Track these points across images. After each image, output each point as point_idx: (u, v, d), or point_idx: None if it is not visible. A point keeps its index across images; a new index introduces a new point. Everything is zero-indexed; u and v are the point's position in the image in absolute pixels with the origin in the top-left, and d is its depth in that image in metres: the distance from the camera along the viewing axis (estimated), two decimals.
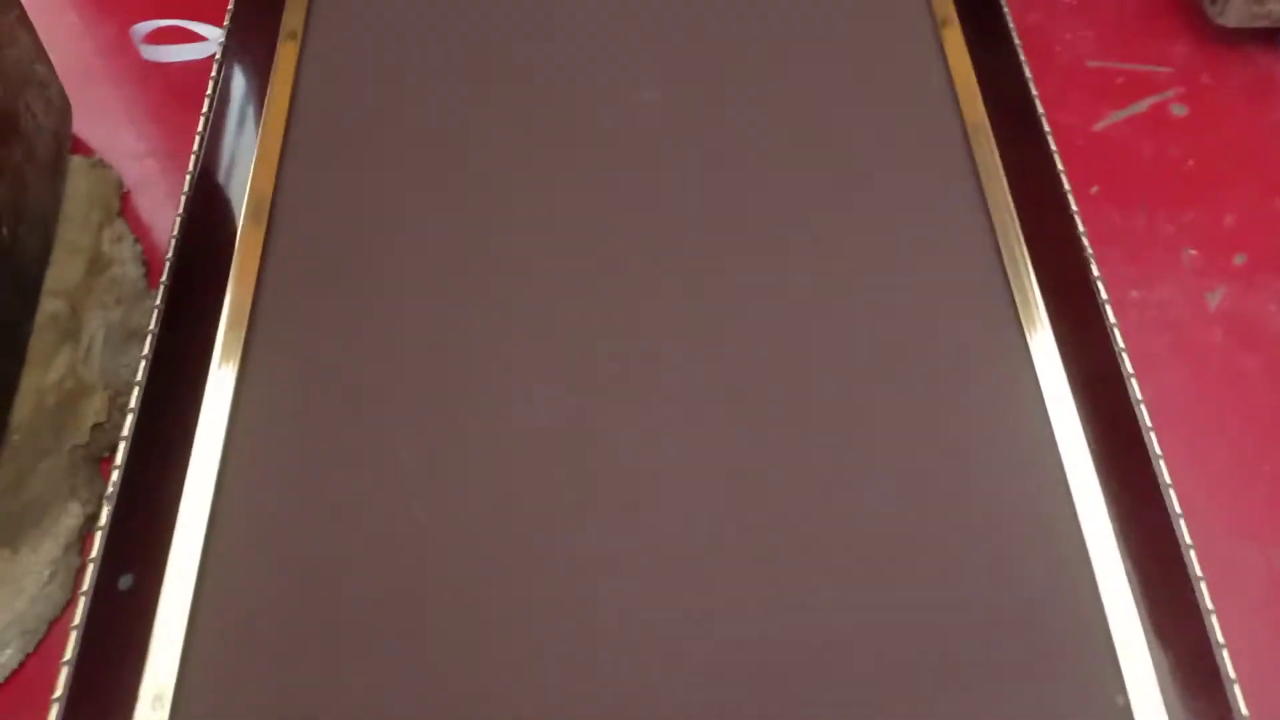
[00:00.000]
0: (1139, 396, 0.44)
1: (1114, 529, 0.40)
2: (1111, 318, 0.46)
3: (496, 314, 0.47)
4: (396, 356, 0.46)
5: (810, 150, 0.52)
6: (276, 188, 0.50)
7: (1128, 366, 0.45)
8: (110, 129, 0.62)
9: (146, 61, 0.63)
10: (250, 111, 0.54)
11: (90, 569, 0.38)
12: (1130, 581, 0.39)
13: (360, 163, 0.52)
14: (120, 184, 0.59)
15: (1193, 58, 0.67)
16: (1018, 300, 0.47)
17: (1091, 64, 0.66)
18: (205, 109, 0.54)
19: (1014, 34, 0.56)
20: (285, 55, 0.56)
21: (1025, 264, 0.48)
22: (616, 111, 0.53)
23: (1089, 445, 0.42)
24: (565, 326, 0.46)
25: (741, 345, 0.45)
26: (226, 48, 0.56)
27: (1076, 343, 0.46)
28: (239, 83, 0.55)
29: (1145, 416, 0.43)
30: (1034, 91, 0.53)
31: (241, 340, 0.46)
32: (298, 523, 0.41)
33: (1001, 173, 0.51)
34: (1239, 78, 0.66)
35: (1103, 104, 0.64)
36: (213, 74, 0.54)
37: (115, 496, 0.40)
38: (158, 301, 0.47)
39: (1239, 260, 0.58)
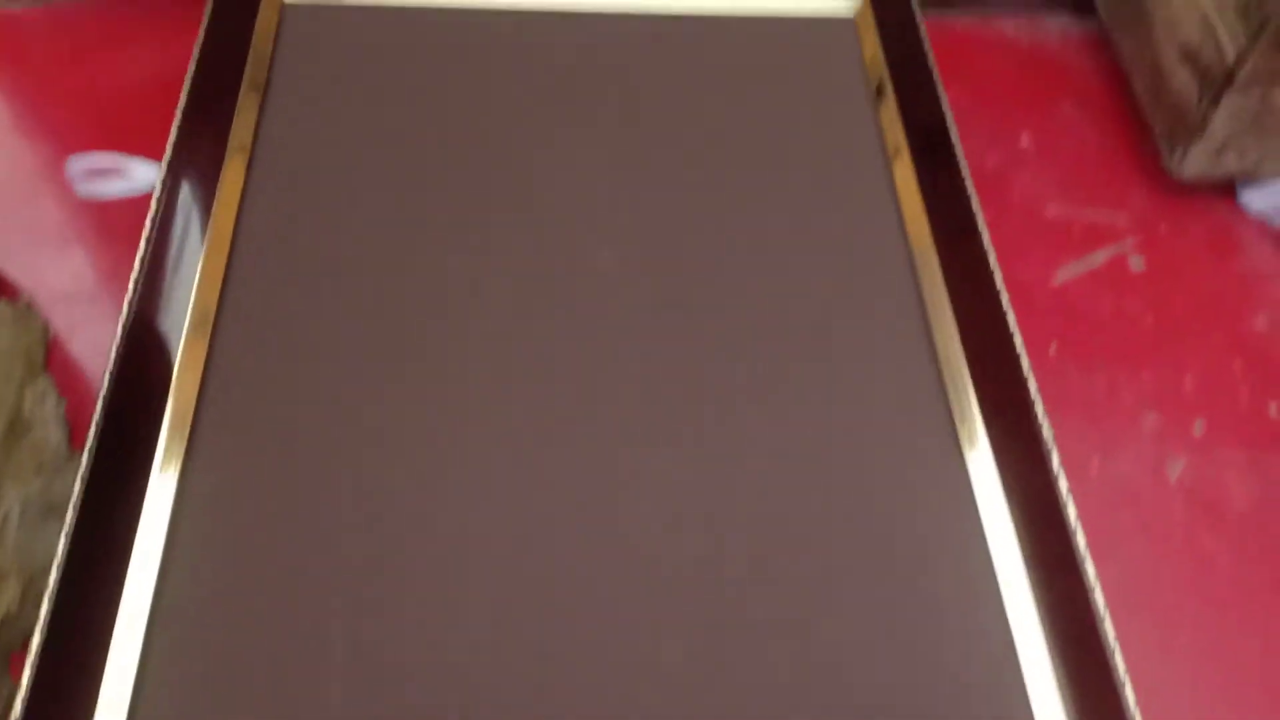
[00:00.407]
0: (1093, 583, 0.43)
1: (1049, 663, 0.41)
2: (1069, 502, 0.45)
3: (441, 434, 0.46)
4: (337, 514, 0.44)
5: (763, 297, 0.52)
6: (219, 309, 0.49)
7: (1081, 548, 0.44)
8: (40, 264, 0.59)
9: (80, 201, 0.60)
10: (195, 224, 0.52)
11: None
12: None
13: (306, 284, 0.51)
14: (46, 332, 0.57)
15: (1151, 206, 0.66)
16: (975, 486, 0.46)
17: (1050, 212, 0.66)
18: (151, 213, 0.52)
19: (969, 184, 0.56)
20: (233, 168, 0.55)
21: (975, 418, 0.48)
22: (574, 270, 0.52)
23: (1043, 632, 0.42)
24: (509, 469, 0.46)
25: (697, 486, 0.45)
26: (173, 159, 0.54)
27: (1031, 525, 0.46)
28: (185, 196, 0.53)
29: (1100, 603, 0.42)
30: (987, 244, 0.53)
31: (165, 525, 0.44)
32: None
33: (955, 328, 0.51)
34: (1197, 229, 0.66)
35: (1061, 254, 0.64)
36: (160, 180, 0.53)
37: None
38: (81, 469, 0.44)
39: (1199, 428, 0.58)
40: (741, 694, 0.40)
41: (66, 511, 0.44)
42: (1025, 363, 0.49)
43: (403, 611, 0.41)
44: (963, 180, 0.55)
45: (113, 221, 0.62)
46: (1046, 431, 0.46)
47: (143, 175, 0.57)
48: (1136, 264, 0.64)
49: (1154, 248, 0.65)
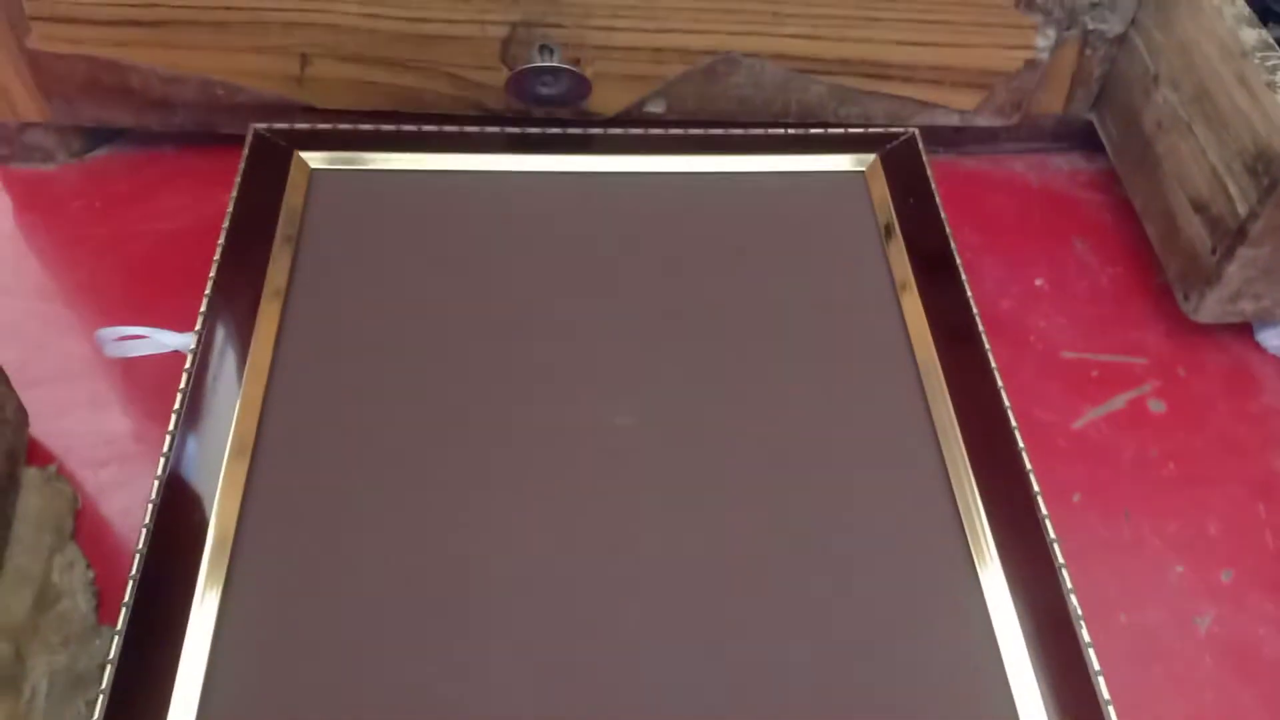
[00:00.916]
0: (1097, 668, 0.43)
1: None
2: (1095, 665, 0.45)
3: (472, 555, 0.49)
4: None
5: (778, 439, 0.54)
6: (257, 443, 0.52)
7: (1104, 693, 0.44)
8: (71, 431, 0.60)
9: (110, 359, 0.61)
10: (231, 366, 0.55)
11: None
12: None
13: (341, 415, 0.54)
14: (75, 500, 0.57)
15: (1168, 348, 0.67)
16: (1003, 650, 0.46)
17: (1066, 355, 0.66)
18: (188, 364, 0.54)
19: (976, 318, 0.58)
20: (268, 312, 0.57)
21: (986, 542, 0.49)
22: (594, 432, 0.53)
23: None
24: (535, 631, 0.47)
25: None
26: (210, 303, 0.57)
27: (1059, 687, 0.46)
28: (221, 343, 0.56)
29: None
30: (999, 385, 0.55)
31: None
32: None
33: (971, 474, 0.52)
34: (1215, 370, 0.66)
35: (1080, 399, 0.64)
36: (197, 332, 0.56)
37: None
38: (111, 653, 0.45)
39: (1226, 577, 0.57)
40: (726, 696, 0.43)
41: (93, 683, 0.45)
42: (1041, 504, 0.50)
43: None
44: (970, 308, 0.58)
45: (142, 383, 0.63)
46: (1064, 572, 0.48)
47: (171, 340, 0.58)
48: (1156, 406, 0.64)
49: (1173, 390, 0.65)
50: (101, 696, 0.43)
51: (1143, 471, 0.61)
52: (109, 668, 0.44)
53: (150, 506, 0.49)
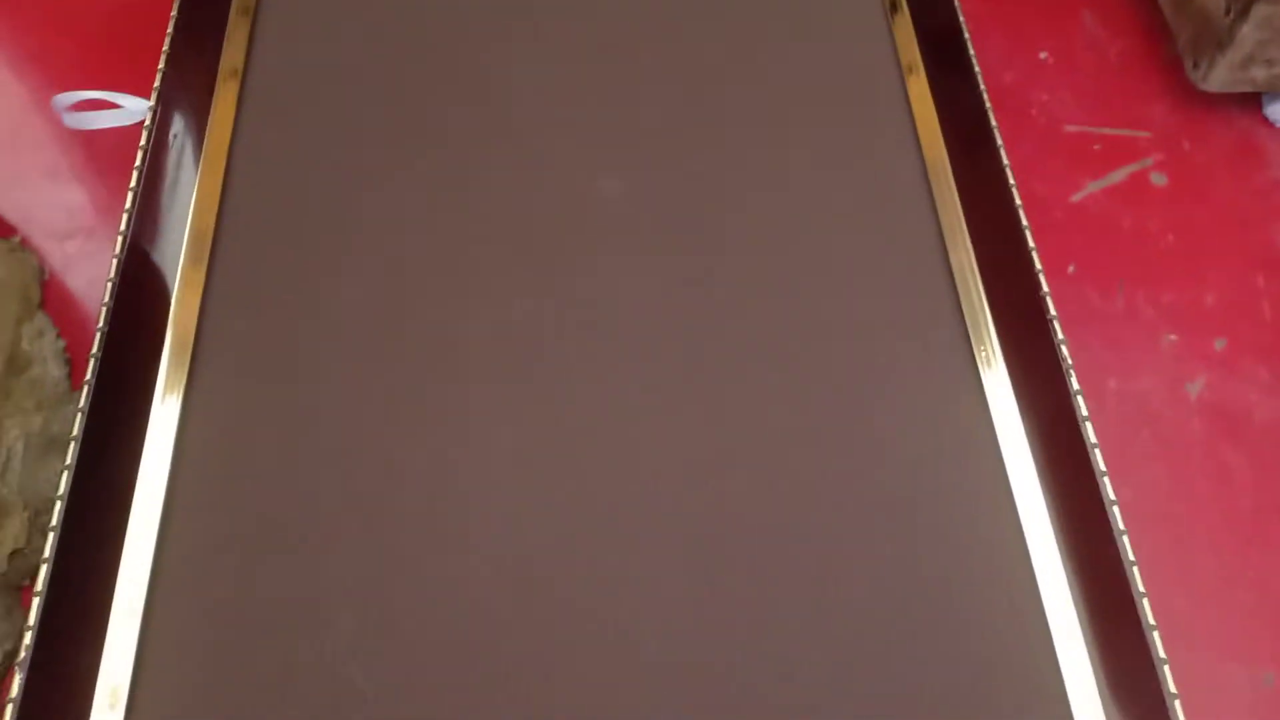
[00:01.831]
0: (1113, 498, 0.42)
1: (1086, 638, 0.39)
2: (1084, 410, 0.44)
3: (438, 363, 0.45)
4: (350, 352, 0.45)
5: (774, 214, 0.50)
6: (217, 229, 0.48)
7: (1100, 464, 0.43)
8: (31, 203, 0.58)
9: (70, 130, 0.58)
10: (189, 149, 0.51)
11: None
12: (1103, 700, 0.38)
13: (303, 206, 0.50)
14: (41, 271, 0.55)
15: (1173, 121, 0.64)
16: (990, 399, 0.45)
17: (1069, 128, 0.64)
18: (143, 141, 0.51)
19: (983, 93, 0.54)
20: (225, 94, 0.53)
21: (986, 322, 0.47)
22: (575, 194, 0.51)
23: (1058, 545, 0.41)
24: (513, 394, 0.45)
25: (711, 404, 0.44)
26: (163, 85, 0.53)
27: (1046, 438, 0.45)
28: (177, 123, 0.52)
29: (1118, 521, 0.41)
30: (1003, 157, 0.51)
31: (169, 455, 0.43)
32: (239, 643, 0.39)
33: (969, 243, 0.49)
34: (1220, 143, 0.64)
35: (1080, 173, 0.62)
36: (150, 107, 0.52)
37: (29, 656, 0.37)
38: (81, 402, 0.43)
39: (1220, 345, 0.56)
40: (753, 646, 0.39)
41: (68, 446, 0.44)
42: (1043, 280, 0.47)
43: (413, 546, 0.40)
44: (979, 92, 0.53)
45: (103, 154, 0.61)
46: (1064, 348, 0.45)
47: (132, 106, 0.55)
48: (1158, 180, 0.62)
49: (1176, 163, 0.63)
50: (70, 454, 0.42)
51: (1141, 244, 0.60)
52: (76, 433, 0.43)
53: (109, 285, 0.47)
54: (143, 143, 0.51)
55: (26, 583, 0.47)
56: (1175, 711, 0.37)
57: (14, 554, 0.47)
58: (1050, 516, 0.42)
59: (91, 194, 0.60)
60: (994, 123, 0.51)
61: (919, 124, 0.53)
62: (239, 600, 0.40)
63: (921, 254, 0.49)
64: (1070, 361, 0.45)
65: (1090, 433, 0.43)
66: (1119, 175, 0.62)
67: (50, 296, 0.55)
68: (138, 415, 0.44)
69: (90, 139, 0.60)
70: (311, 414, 0.43)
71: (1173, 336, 0.56)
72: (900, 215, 0.50)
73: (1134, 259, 0.59)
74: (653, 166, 0.51)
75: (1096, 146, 0.63)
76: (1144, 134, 0.64)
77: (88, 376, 0.44)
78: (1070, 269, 0.58)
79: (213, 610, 0.39)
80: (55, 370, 0.52)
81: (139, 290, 0.48)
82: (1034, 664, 0.39)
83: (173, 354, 0.45)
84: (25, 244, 0.56)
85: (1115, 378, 0.55)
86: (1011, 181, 0.49)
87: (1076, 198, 0.61)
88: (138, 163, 0.50)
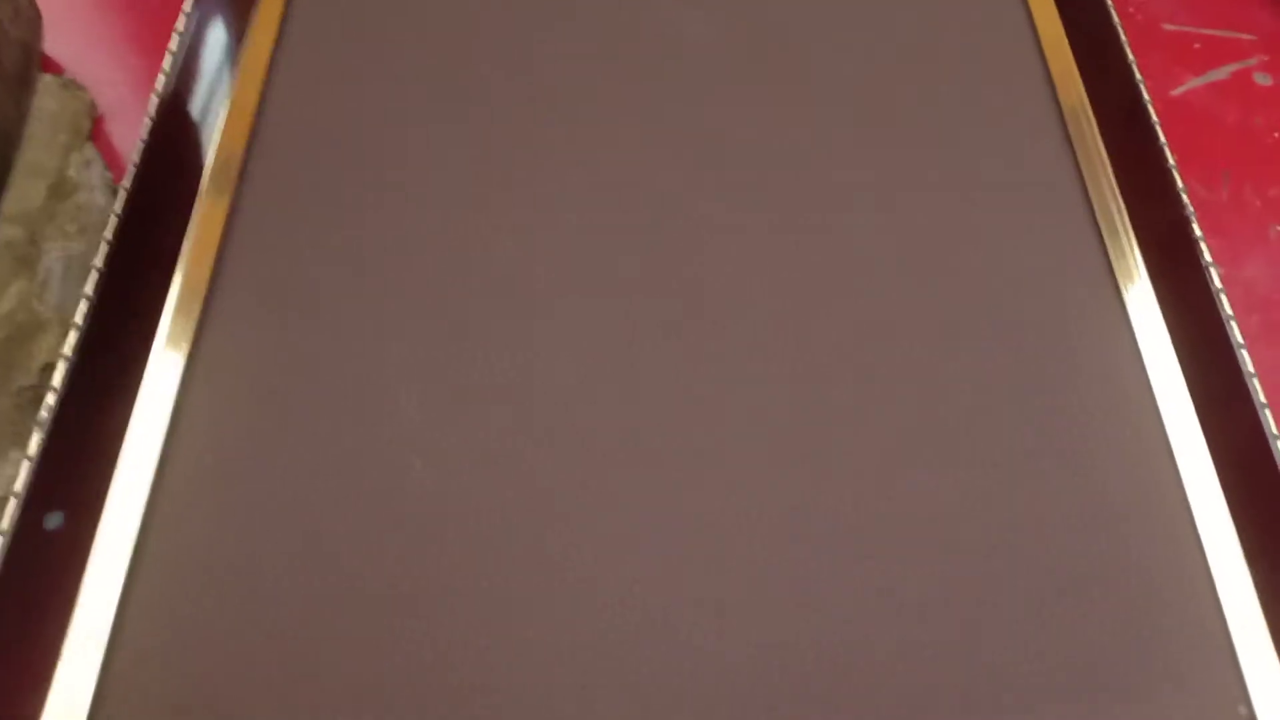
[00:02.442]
0: (1251, 370, 0.38)
1: (1230, 519, 0.34)
2: (1218, 283, 0.40)
3: (497, 278, 0.41)
4: (379, 298, 0.40)
5: (887, 104, 0.47)
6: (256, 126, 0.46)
7: (1237, 336, 0.39)
8: (83, 49, 0.56)
9: None
10: (226, 57, 0.49)
11: (12, 504, 0.32)
12: (1252, 579, 0.33)
13: (343, 115, 0.47)
14: (93, 107, 0.53)
15: (1278, 24, 0.61)
16: (1116, 269, 0.41)
17: (1168, 27, 0.61)
18: (173, 46, 0.49)
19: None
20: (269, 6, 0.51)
21: (1123, 222, 0.42)
22: (651, 38, 0.48)
23: (1200, 426, 0.37)
24: (591, 281, 0.41)
25: (811, 310, 0.40)
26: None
27: (1180, 314, 0.41)
28: (216, 31, 0.50)
29: (1259, 392, 0.37)
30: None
31: (205, 285, 0.41)
32: (255, 468, 0.35)
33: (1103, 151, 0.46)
34: None
35: (1181, 69, 0.59)
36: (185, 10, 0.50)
37: (49, 424, 0.34)
38: (106, 234, 0.41)
39: None
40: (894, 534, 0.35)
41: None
42: (1177, 175, 0.44)
43: (428, 508, 0.35)
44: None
45: (155, 5, 0.59)
46: (1203, 245, 0.42)
47: None
48: (1262, 79, 0.59)
49: None
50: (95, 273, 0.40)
51: (1245, 138, 0.56)
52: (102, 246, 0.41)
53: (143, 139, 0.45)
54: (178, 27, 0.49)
55: None
56: None
57: (46, 368, 0.44)
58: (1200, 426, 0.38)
59: (141, 51, 0.58)
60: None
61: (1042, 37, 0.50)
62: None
63: (1045, 145, 0.45)
64: (1211, 260, 0.42)
65: (1237, 334, 0.40)
66: (1222, 73, 0.59)
67: (99, 133, 0.53)
68: (164, 257, 0.42)
69: None
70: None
71: (1279, 228, 0.53)
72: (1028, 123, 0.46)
73: (1238, 153, 0.55)
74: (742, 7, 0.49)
75: (1197, 45, 0.60)
76: (1248, 36, 0.60)
77: (115, 208, 0.42)
78: (1171, 160, 0.55)
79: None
80: (101, 198, 0.50)
81: (176, 137, 0.46)
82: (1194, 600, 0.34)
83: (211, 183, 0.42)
84: (77, 81, 0.54)
85: (1221, 265, 0.51)
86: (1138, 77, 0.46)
87: (1177, 92, 0.58)
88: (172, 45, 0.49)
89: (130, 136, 0.54)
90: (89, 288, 0.41)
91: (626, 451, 0.35)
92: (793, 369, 0.38)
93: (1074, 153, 0.45)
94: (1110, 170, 0.45)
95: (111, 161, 0.52)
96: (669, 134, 0.45)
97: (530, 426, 0.36)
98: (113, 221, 0.43)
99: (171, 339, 0.39)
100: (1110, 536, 0.34)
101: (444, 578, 0.33)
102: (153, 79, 0.56)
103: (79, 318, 0.40)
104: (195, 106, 0.47)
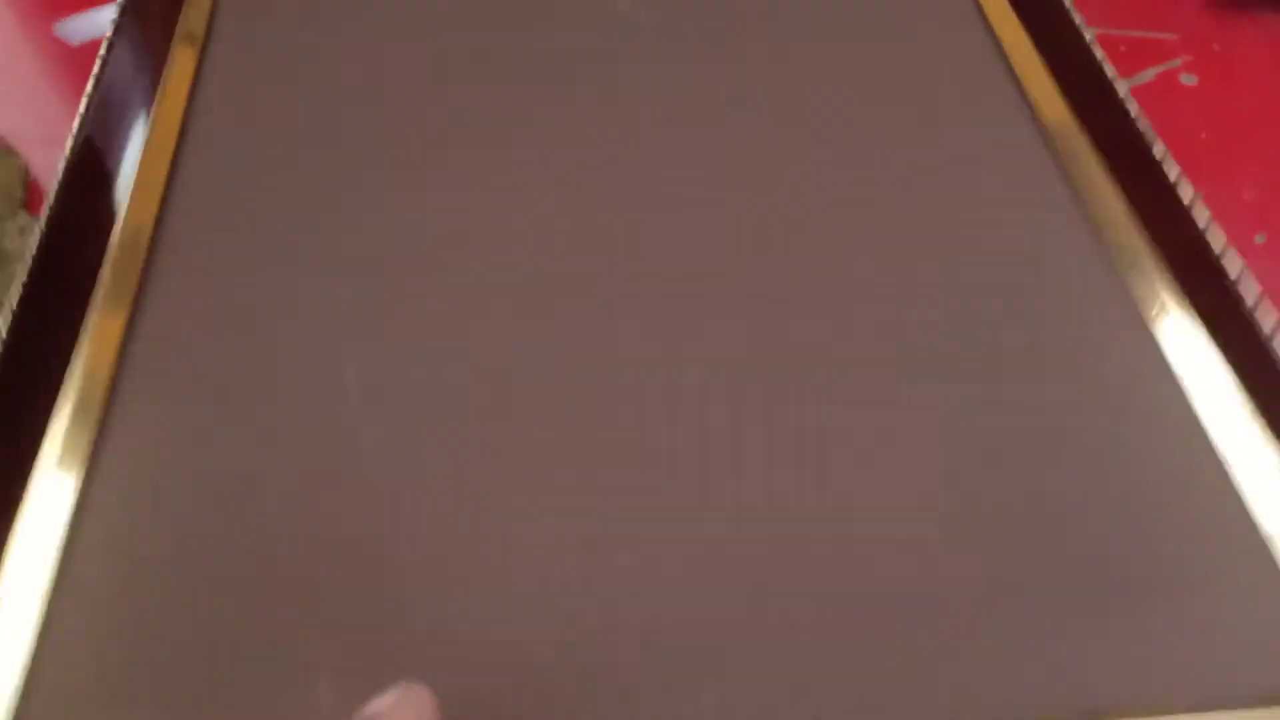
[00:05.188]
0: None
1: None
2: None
3: (449, 250, 0.42)
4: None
5: (836, 58, 0.50)
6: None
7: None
8: (14, 111, 0.56)
9: (61, 42, 0.57)
10: (139, 112, 0.49)
11: None
12: None
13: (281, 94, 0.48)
14: (26, 173, 0.53)
15: (1201, 25, 0.62)
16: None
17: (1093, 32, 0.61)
18: (84, 101, 0.50)
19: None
20: (181, 59, 0.51)
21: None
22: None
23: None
24: (543, 243, 0.42)
25: (811, 310, 0.40)
26: (112, 45, 0.51)
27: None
28: (125, 87, 0.50)
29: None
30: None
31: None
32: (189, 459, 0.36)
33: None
34: (1250, 45, 0.61)
35: None
36: (95, 71, 0.50)
37: None
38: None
39: (1260, 240, 0.53)
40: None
41: None
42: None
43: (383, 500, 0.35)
44: None
45: (87, 65, 0.59)
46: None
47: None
48: (1188, 80, 0.60)
49: (1205, 65, 0.60)
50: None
51: (1173, 140, 0.57)
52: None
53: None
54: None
55: None
56: None
57: None
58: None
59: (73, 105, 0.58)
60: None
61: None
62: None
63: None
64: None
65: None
66: (1147, 75, 0.60)
67: (36, 200, 0.53)
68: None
69: (76, 54, 0.58)
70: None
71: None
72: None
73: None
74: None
75: (1122, 49, 0.61)
76: (1170, 35, 0.61)
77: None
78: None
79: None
80: None
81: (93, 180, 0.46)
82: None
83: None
84: (10, 148, 0.54)
85: None
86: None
87: None
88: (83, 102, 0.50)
89: None
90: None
91: (581, 406, 0.36)
92: (773, 338, 0.39)
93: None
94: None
95: None
96: (612, 107, 0.46)
97: (479, 390, 0.37)
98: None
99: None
100: (1135, 456, 0.36)
101: (392, 550, 0.33)
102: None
103: None
104: (101, 177, 0.47)
